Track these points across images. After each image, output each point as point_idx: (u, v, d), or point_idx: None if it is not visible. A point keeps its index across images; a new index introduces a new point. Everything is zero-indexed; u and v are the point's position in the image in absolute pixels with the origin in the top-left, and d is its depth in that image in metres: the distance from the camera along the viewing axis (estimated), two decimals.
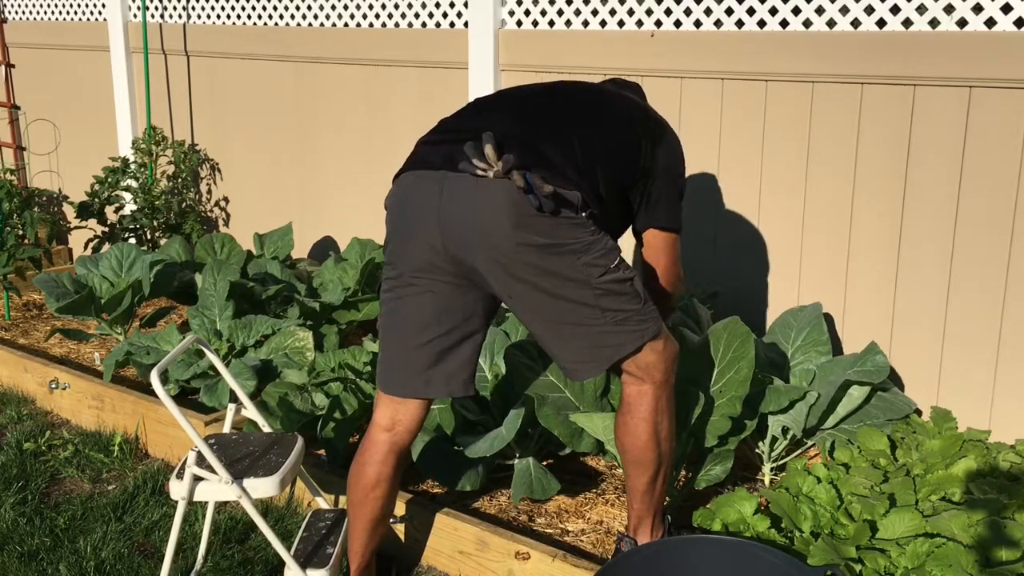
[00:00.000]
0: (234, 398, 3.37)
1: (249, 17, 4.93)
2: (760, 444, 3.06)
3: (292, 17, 4.75)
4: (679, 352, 2.36)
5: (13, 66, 5.71)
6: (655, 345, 2.26)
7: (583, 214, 2.14)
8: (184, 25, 5.17)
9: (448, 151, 2.17)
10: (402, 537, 2.78)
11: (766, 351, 3.16)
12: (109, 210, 5.33)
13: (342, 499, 2.90)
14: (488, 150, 2.07)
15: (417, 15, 4.29)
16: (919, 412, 3.18)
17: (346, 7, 4.53)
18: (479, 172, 2.09)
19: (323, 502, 2.83)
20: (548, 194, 2.06)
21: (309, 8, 4.67)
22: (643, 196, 2.34)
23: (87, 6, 5.70)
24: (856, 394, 2.95)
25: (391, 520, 2.67)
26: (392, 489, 2.41)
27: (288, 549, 2.47)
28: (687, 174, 2.59)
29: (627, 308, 2.20)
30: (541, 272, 2.13)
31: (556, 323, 2.21)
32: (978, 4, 2.95)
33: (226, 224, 5.37)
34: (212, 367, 3.65)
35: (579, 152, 2.19)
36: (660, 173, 2.33)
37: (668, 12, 3.56)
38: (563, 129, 2.23)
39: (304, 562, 2.46)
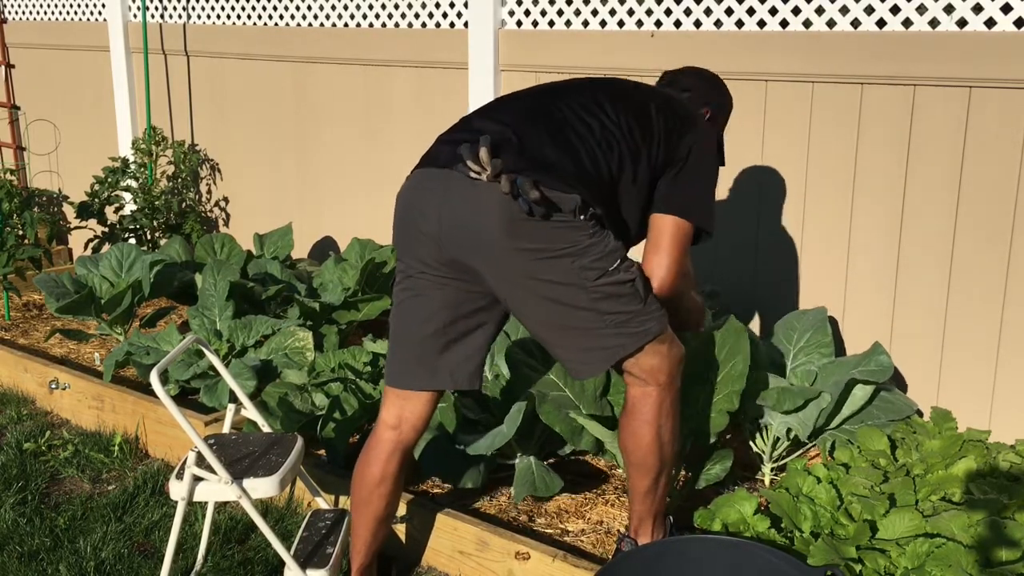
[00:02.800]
0: (234, 398, 3.37)
1: (249, 17, 4.93)
2: (761, 444, 3.06)
3: (292, 17, 4.75)
4: (685, 354, 2.35)
5: (13, 66, 5.71)
6: (659, 347, 2.25)
7: (581, 217, 2.13)
8: (184, 25, 5.17)
9: (455, 150, 2.18)
10: (402, 537, 2.78)
11: (768, 352, 3.16)
12: (109, 210, 5.33)
13: (342, 499, 2.90)
14: (482, 153, 2.09)
15: (417, 15, 4.29)
16: (919, 412, 3.18)
17: (346, 7, 4.53)
18: (472, 175, 2.11)
19: (323, 502, 2.83)
20: (535, 200, 2.06)
21: (309, 8, 4.67)
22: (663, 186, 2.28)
23: (87, 6, 5.70)
24: (860, 394, 2.95)
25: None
26: (396, 488, 2.42)
27: (288, 549, 2.47)
28: None
29: (627, 310, 2.19)
30: (534, 277, 2.14)
31: (553, 326, 2.22)
32: (978, 4, 2.95)
33: (226, 224, 5.37)
34: (212, 367, 3.65)
35: (584, 153, 2.18)
36: (682, 164, 2.27)
37: (668, 12, 3.56)
38: (569, 129, 2.21)
39: (304, 562, 2.46)
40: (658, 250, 2.27)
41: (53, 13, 5.95)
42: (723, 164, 2.46)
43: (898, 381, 3.25)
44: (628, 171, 2.22)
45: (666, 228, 2.27)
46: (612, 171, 2.20)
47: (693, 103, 2.48)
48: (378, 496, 2.39)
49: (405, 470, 2.44)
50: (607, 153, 2.20)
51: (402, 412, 2.37)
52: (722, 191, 3.53)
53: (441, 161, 2.19)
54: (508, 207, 2.08)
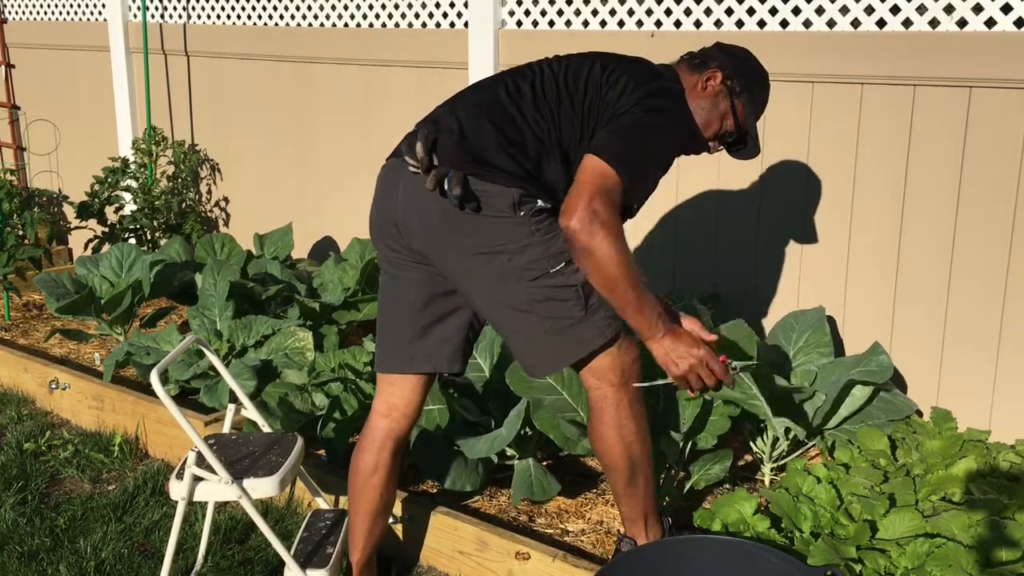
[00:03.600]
0: (234, 398, 3.37)
1: (249, 17, 4.93)
2: (761, 444, 3.06)
3: (292, 17, 4.75)
4: (639, 356, 2.28)
5: (13, 66, 5.71)
6: (609, 349, 2.23)
7: (521, 213, 2.10)
8: (184, 25, 5.17)
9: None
10: (402, 537, 2.78)
11: (767, 352, 3.16)
12: (109, 210, 5.33)
13: (342, 499, 2.90)
14: (417, 148, 2.13)
15: (417, 15, 4.29)
16: (919, 412, 3.18)
17: (346, 7, 4.52)
18: (411, 169, 2.16)
19: (323, 502, 2.83)
20: (458, 196, 2.07)
21: (309, 8, 4.67)
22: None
23: (87, 6, 5.70)
24: (859, 394, 2.95)
25: (391, 520, 2.67)
26: (390, 479, 2.42)
27: (288, 549, 2.47)
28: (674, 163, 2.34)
29: (568, 316, 2.16)
30: (471, 273, 2.17)
31: (498, 324, 2.25)
32: (978, 4, 2.95)
33: (226, 224, 5.37)
34: (212, 367, 3.65)
35: (531, 141, 2.13)
36: (619, 117, 2.12)
37: (668, 12, 3.56)
38: (519, 116, 2.16)
39: (304, 562, 2.46)
40: (572, 188, 2.07)
41: (53, 13, 5.95)
42: (757, 153, 2.36)
43: (898, 381, 3.25)
44: (580, 154, 2.14)
45: (586, 168, 2.07)
46: (567, 155, 2.15)
47: (699, 67, 2.32)
48: (372, 487, 2.40)
49: (399, 462, 2.44)
50: (560, 138, 2.16)
51: (391, 399, 2.39)
52: (723, 191, 3.53)
53: (401, 152, 2.24)
54: (442, 201, 2.12)
